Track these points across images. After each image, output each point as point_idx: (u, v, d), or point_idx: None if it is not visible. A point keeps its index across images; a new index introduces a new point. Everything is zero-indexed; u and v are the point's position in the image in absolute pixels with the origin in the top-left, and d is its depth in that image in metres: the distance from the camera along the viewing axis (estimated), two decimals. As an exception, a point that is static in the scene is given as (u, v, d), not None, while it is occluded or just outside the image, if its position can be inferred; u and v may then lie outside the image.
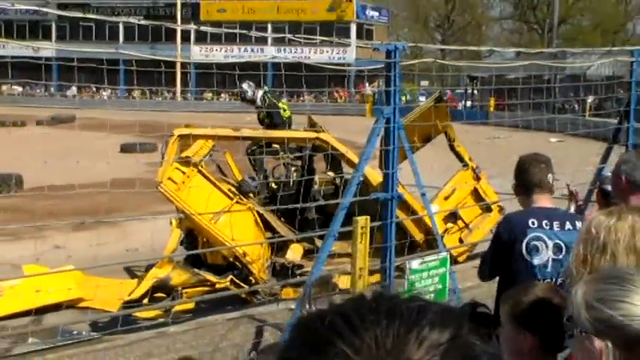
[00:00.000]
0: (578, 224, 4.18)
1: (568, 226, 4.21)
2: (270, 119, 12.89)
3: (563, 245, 4.11)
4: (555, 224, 4.17)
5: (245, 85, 13.22)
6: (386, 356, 0.79)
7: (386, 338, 0.80)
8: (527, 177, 4.30)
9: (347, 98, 55.12)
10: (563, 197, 6.98)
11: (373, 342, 0.80)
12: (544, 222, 4.15)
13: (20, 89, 57.57)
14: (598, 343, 1.79)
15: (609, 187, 4.92)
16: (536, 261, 4.10)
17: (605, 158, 10.39)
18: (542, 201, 4.28)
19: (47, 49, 50.62)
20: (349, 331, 0.81)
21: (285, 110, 13.04)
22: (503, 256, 4.24)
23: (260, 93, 13.08)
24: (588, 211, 6.58)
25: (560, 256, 4.08)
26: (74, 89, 56.28)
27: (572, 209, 6.00)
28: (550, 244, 4.12)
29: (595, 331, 1.80)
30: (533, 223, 4.15)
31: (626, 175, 4.43)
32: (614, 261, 2.15)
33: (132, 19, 40.51)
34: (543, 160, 4.39)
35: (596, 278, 1.93)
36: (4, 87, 54.80)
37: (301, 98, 50.45)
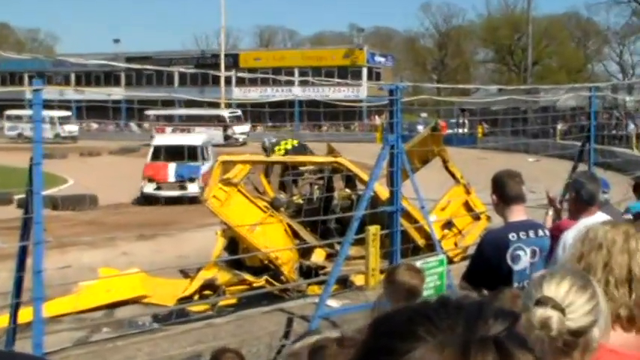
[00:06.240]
0: (546, 231, 4.18)
1: (540, 233, 4.10)
2: None
3: (537, 249, 4.03)
4: (530, 233, 4.05)
5: (266, 140, 13.45)
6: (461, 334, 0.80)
7: (455, 326, 0.80)
8: (506, 191, 4.07)
9: (361, 128, 54.87)
10: (539, 207, 6.80)
11: (448, 328, 0.81)
12: (521, 233, 4.01)
13: (96, 126, 58.00)
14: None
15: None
16: (517, 267, 3.95)
17: (572, 174, 10.19)
18: (518, 211, 4.09)
19: (117, 95, 50.84)
20: (428, 321, 0.82)
21: (280, 149, 12.95)
22: (486, 265, 4.07)
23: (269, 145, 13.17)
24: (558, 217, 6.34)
25: (535, 259, 3.98)
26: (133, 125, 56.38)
27: (551, 213, 5.83)
28: (528, 250, 3.99)
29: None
30: (513, 237, 3.99)
31: (577, 191, 4.42)
32: (610, 258, 2.14)
33: (184, 69, 40.64)
34: (517, 174, 4.18)
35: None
36: (83, 124, 55.03)
37: (321, 129, 50.40)
